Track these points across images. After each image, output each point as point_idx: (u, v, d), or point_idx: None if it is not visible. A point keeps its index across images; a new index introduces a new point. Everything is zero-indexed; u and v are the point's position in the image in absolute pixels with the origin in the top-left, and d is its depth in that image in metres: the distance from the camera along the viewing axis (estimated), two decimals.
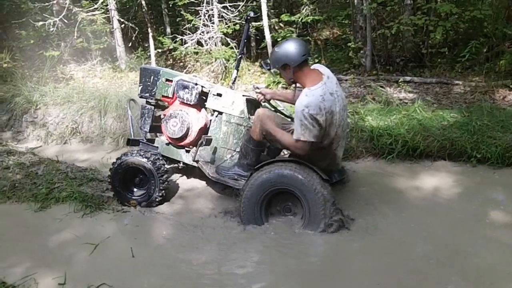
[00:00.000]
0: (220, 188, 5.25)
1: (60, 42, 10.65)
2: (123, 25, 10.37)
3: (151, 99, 5.31)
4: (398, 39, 8.59)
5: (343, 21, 10.39)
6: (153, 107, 5.31)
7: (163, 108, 5.48)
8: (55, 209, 5.08)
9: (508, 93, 6.92)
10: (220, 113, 5.05)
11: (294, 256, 3.99)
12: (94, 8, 9.84)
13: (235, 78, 5.61)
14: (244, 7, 9.14)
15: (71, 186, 5.37)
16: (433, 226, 4.36)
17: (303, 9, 9.62)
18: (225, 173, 4.83)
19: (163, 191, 4.99)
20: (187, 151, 5.17)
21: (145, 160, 4.93)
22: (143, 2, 10.44)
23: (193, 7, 9.38)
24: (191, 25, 9.45)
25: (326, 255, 4.04)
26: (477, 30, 8.09)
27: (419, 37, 8.37)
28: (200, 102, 5.12)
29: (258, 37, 10.01)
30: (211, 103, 5.08)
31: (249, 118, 4.93)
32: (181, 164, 5.33)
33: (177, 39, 9.40)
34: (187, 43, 9.28)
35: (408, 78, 7.82)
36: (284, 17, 9.26)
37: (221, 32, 9.10)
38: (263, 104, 5.08)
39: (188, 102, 5.05)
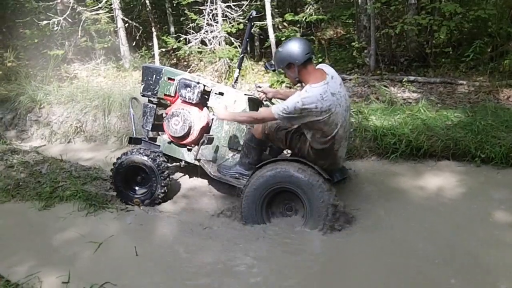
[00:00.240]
0: (223, 187, 5.25)
1: (64, 41, 10.66)
2: (127, 24, 10.37)
3: (153, 97, 5.33)
4: (402, 39, 8.57)
5: (347, 21, 10.37)
6: (155, 105, 5.33)
7: (165, 106, 5.48)
8: (59, 207, 5.10)
9: None
10: None
11: (296, 255, 3.98)
12: (98, 7, 9.86)
13: (237, 77, 5.61)
14: (248, 6, 9.13)
15: (75, 185, 5.39)
16: (437, 226, 4.35)
17: (307, 8, 9.59)
18: (226, 171, 4.84)
19: (165, 188, 4.99)
20: (189, 150, 5.19)
21: (145, 158, 4.94)
22: (147, 1, 10.44)
23: (197, 6, 9.38)
24: (195, 25, 9.44)
25: (328, 254, 4.03)
26: (482, 29, 8.06)
27: (423, 37, 8.35)
28: (202, 100, 5.13)
29: (262, 37, 10.00)
30: (213, 102, 5.08)
31: None
32: (183, 163, 5.34)
33: (181, 39, 9.40)
34: (191, 42, 9.28)
35: (412, 78, 7.81)
36: (288, 17, 9.24)
37: (225, 31, 9.10)
38: (265, 103, 5.08)
39: (190, 101, 5.06)
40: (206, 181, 5.50)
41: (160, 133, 5.51)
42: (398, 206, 4.75)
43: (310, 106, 3.89)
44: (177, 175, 5.75)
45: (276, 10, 9.85)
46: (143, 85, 5.36)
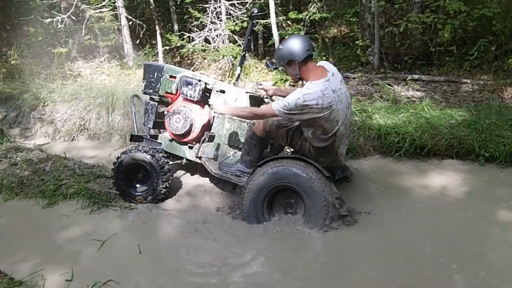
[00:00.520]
0: (226, 185, 5.25)
1: (68, 39, 10.67)
2: (130, 22, 10.37)
3: (155, 95, 5.34)
4: (406, 37, 8.54)
5: (351, 19, 10.35)
6: (156, 103, 5.35)
7: (167, 104, 5.49)
8: (62, 205, 5.11)
9: None
10: None
11: (299, 254, 3.99)
12: (102, 5, 9.86)
13: (238, 75, 5.62)
14: (251, 4, 9.11)
15: (78, 183, 5.40)
16: (440, 224, 4.35)
17: (310, 6, 9.57)
18: (227, 169, 4.85)
19: (166, 183, 5.00)
20: (190, 148, 5.20)
21: (144, 154, 4.96)
22: None
23: (200, 5, 9.37)
24: (199, 23, 9.42)
25: (330, 252, 4.04)
26: (486, 28, 8.04)
27: (427, 35, 8.33)
28: (204, 98, 5.14)
29: (265, 35, 9.98)
30: (214, 99, 5.08)
31: None
32: (184, 161, 5.34)
33: (185, 37, 9.39)
34: (194, 40, 9.27)
35: (416, 76, 7.79)
36: (292, 15, 9.22)
37: (228, 29, 9.08)
38: (266, 100, 5.09)
39: (192, 99, 5.07)
40: (211, 179, 5.50)
41: (161, 130, 5.52)
42: (402, 205, 4.76)
43: (311, 103, 3.90)
44: (181, 173, 5.75)
45: (280, 8, 9.83)
46: (145, 82, 5.37)
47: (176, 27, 10.79)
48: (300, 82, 4.34)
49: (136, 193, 5.09)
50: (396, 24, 7.95)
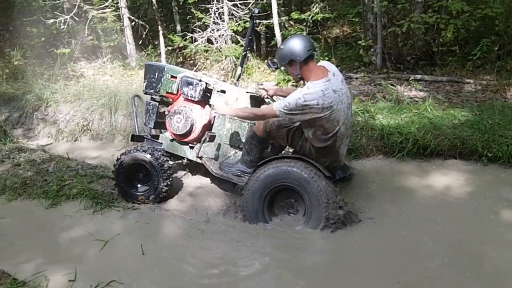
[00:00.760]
0: (228, 185, 5.25)
1: (71, 39, 10.70)
2: (133, 23, 10.38)
3: (156, 95, 5.36)
4: (409, 37, 8.53)
5: (354, 19, 10.33)
6: (157, 103, 5.36)
7: (168, 104, 5.50)
8: (65, 206, 5.12)
9: None
10: None
11: (301, 254, 4.00)
12: (105, 6, 9.88)
13: (239, 75, 5.63)
14: (254, 5, 9.12)
15: (81, 183, 5.41)
16: (443, 224, 4.34)
17: (313, 6, 9.58)
18: (228, 169, 4.86)
19: (167, 181, 5.01)
20: (191, 148, 5.21)
21: (143, 154, 4.97)
22: (154, 0, 10.45)
23: (203, 5, 9.39)
24: (201, 23, 9.43)
25: (333, 253, 4.04)
26: (489, 28, 8.02)
27: (430, 35, 8.32)
28: (204, 98, 5.15)
29: (268, 35, 9.98)
30: (215, 99, 5.08)
31: None
32: (185, 160, 5.35)
33: (187, 37, 9.41)
34: (197, 41, 9.28)
35: (418, 77, 7.78)
36: (294, 15, 9.22)
37: (231, 30, 9.09)
38: (266, 100, 5.09)
39: (192, 99, 5.08)
40: (214, 180, 5.50)
41: (162, 130, 5.53)
42: (405, 205, 4.75)
43: (311, 103, 3.90)
44: (183, 173, 5.76)
45: (282, 8, 9.84)
46: (146, 82, 5.39)
47: (178, 27, 10.80)
48: (301, 82, 4.34)
49: (138, 193, 5.10)
50: (399, 24, 7.94)
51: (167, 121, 5.15)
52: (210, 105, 5.23)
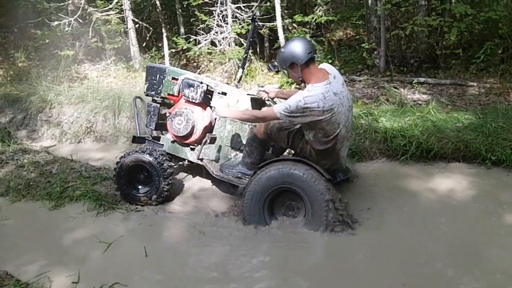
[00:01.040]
0: (231, 188, 5.26)
1: (75, 41, 10.71)
2: (137, 25, 10.41)
3: (157, 97, 5.38)
4: (412, 40, 8.54)
5: (357, 22, 10.36)
6: (159, 105, 5.37)
7: (169, 106, 5.51)
8: (69, 207, 5.13)
9: None
10: None
11: (299, 256, 4.01)
12: (109, 8, 9.90)
13: (240, 77, 5.64)
14: (257, 7, 9.13)
15: (85, 185, 5.42)
16: (446, 227, 4.34)
17: (316, 9, 9.59)
18: (229, 171, 4.87)
19: (168, 180, 5.02)
20: (192, 149, 5.22)
21: (142, 155, 4.98)
22: (157, 2, 10.48)
23: (207, 7, 9.40)
24: (205, 26, 9.46)
25: (336, 254, 4.04)
26: (492, 31, 8.02)
27: (434, 38, 8.31)
28: (205, 100, 5.16)
29: (271, 38, 10.00)
30: (216, 101, 5.09)
31: None
32: (186, 162, 5.36)
33: (191, 39, 9.42)
34: (200, 43, 9.31)
35: (422, 79, 7.77)
36: (298, 18, 9.24)
37: (234, 32, 9.11)
38: (267, 102, 5.10)
39: (193, 101, 5.09)
40: (213, 181, 5.51)
41: (163, 132, 5.54)
42: (408, 208, 4.74)
43: (312, 105, 3.91)
44: (186, 175, 5.77)
45: (285, 11, 9.85)
46: (147, 84, 5.40)
47: (182, 30, 10.82)
48: (302, 85, 4.35)
49: (140, 195, 5.10)
50: (402, 27, 7.95)
51: (168, 123, 5.16)
52: (211, 107, 5.24)
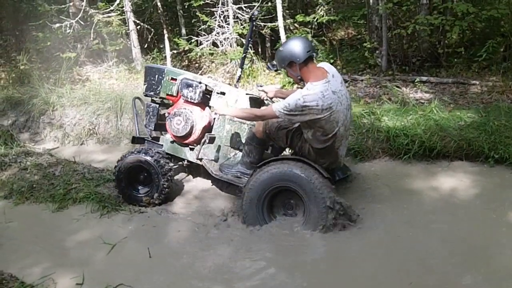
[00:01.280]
0: (233, 188, 5.26)
1: (77, 43, 10.71)
2: (138, 27, 10.41)
3: (156, 97, 5.41)
4: (414, 39, 8.53)
5: (359, 21, 10.34)
6: (158, 105, 5.39)
7: (168, 106, 5.53)
8: (72, 209, 5.14)
9: None
10: None
11: (302, 256, 4.02)
12: (110, 10, 9.90)
13: (239, 77, 5.68)
14: (259, 8, 9.12)
15: (88, 187, 5.42)
16: (450, 226, 4.33)
17: (318, 9, 9.58)
18: (228, 171, 4.89)
19: (167, 176, 5.02)
20: (191, 149, 5.23)
21: (138, 155, 5.02)
22: (159, 4, 10.47)
23: (208, 8, 9.40)
24: (207, 26, 9.46)
25: (331, 253, 4.04)
26: (494, 29, 8.00)
27: (435, 37, 8.30)
28: (204, 100, 5.17)
29: (273, 38, 9.99)
30: (214, 101, 5.10)
31: None
32: (185, 162, 5.37)
33: (193, 40, 9.42)
34: (202, 44, 9.30)
35: (424, 78, 7.76)
36: (299, 18, 9.22)
37: (236, 33, 9.10)
38: (266, 102, 5.10)
39: (192, 101, 5.11)
40: (216, 182, 5.51)
41: (163, 132, 5.55)
42: (411, 206, 4.74)
43: (311, 104, 3.92)
44: (189, 176, 5.79)
45: (287, 11, 9.85)
46: (146, 85, 5.43)
47: (184, 31, 10.82)
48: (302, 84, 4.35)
49: (142, 195, 5.11)
50: (404, 26, 7.93)
51: (167, 123, 5.17)
52: (210, 107, 5.25)
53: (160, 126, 5.45)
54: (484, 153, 5.38)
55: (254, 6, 9.06)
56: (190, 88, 5.09)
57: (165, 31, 10.40)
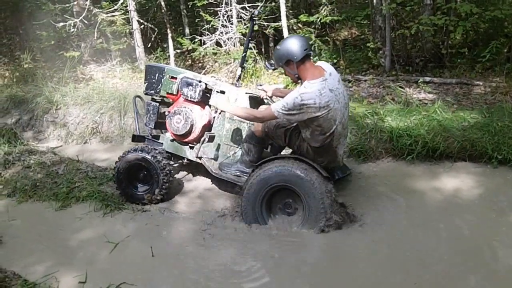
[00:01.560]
0: (235, 188, 5.27)
1: (80, 42, 10.75)
2: (142, 26, 10.42)
3: (156, 96, 5.44)
4: (418, 39, 8.52)
5: (362, 21, 10.34)
6: (158, 104, 5.42)
7: (168, 105, 5.54)
8: (75, 208, 5.16)
9: None
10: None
11: (303, 255, 4.02)
12: (114, 9, 9.91)
13: (239, 76, 5.67)
14: (262, 7, 9.13)
15: (91, 186, 5.44)
16: (453, 226, 4.33)
17: (321, 9, 9.58)
18: (227, 169, 4.91)
19: (165, 171, 5.04)
20: (191, 148, 5.24)
21: (135, 153, 5.04)
22: (162, 3, 10.49)
23: (212, 8, 9.40)
24: (210, 26, 9.46)
25: (331, 253, 4.05)
26: (498, 30, 7.99)
27: (439, 37, 8.30)
28: (204, 99, 5.19)
29: (276, 38, 9.99)
30: (214, 100, 5.11)
31: None
32: (185, 161, 5.38)
33: (196, 40, 9.43)
34: (205, 43, 9.30)
35: (427, 79, 7.75)
36: (303, 18, 9.23)
37: (239, 32, 9.11)
38: (266, 101, 5.11)
39: (192, 99, 5.14)
40: (221, 181, 5.52)
41: (163, 131, 5.57)
42: (414, 207, 4.74)
43: (308, 102, 3.93)
44: (191, 176, 5.79)
45: (290, 11, 9.85)
46: (146, 83, 5.47)
47: (187, 30, 10.83)
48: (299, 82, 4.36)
49: (143, 193, 5.13)
50: (408, 26, 7.92)
51: (167, 122, 5.20)
52: (210, 106, 5.27)
53: (160, 125, 5.47)
54: (487, 154, 5.37)
55: (258, 5, 9.06)
56: (190, 87, 5.12)
57: (168, 31, 10.41)
